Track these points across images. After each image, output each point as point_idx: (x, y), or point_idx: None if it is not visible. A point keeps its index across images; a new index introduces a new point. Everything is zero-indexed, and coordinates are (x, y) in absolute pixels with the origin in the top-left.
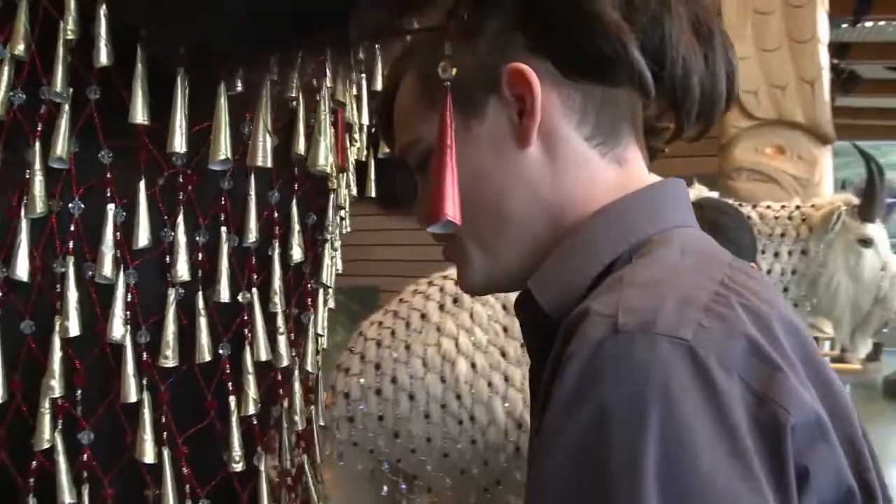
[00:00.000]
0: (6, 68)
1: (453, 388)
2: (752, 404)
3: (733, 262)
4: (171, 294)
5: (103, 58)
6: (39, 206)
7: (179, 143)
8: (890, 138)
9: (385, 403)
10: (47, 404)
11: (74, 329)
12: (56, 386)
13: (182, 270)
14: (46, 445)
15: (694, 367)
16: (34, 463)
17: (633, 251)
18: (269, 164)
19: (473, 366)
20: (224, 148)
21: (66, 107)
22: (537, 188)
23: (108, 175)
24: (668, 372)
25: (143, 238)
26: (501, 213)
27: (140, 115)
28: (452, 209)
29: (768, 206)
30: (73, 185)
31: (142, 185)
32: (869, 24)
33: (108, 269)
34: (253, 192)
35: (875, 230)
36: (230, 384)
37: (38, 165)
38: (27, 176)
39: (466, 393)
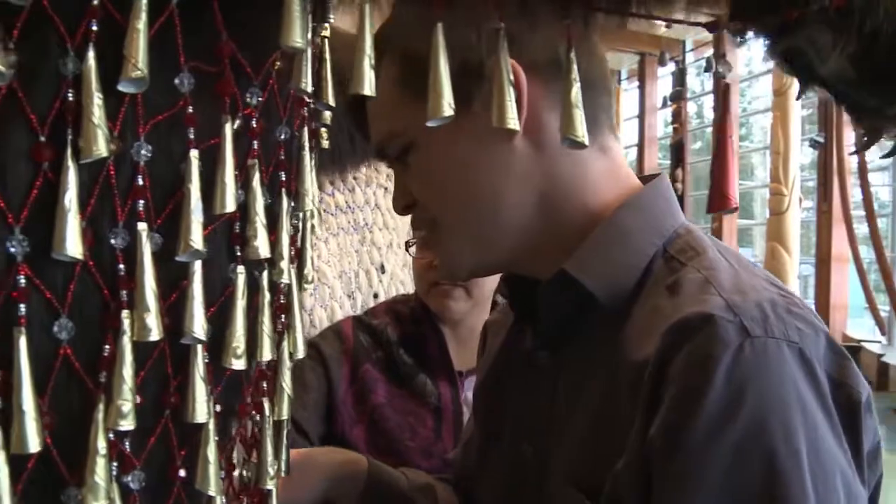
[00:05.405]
0: None
1: None
2: (832, 388)
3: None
4: (241, 274)
5: None
6: (101, 147)
7: (307, 82)
8: None
9: None
10: (102, 443)
11: (154, 329)
12: (130, 413)
13: (262, 245)
14: (105, 503)
15: (804, 364)
16: None
17: (666, 244)
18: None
19: None
20: (512, 110)
21: (145, 1)
22: (528, 180)
23: (190, 109)
24: (794, 371)
25: (228, 199)
26: (492, 203)
27: (299, 35)
28: (736, 196)
29: None
30: (138, 120)
31: (228, 127)
32: None
33: (197, 239)
34: (307, 147)
35: None
36: (264, 383)
37: (94, 84)
38: (67, 97)
39: None
